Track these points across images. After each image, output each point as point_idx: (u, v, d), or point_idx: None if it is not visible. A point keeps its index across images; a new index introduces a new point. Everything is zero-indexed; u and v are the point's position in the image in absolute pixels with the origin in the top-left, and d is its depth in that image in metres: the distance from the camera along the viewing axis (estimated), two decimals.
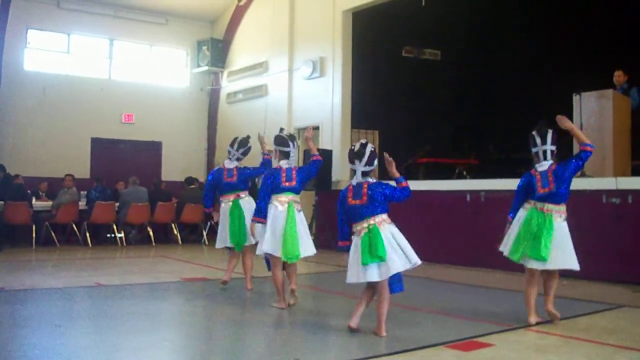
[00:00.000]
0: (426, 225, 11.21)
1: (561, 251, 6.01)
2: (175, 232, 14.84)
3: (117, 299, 7.57)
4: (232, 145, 8.02)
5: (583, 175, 9.70)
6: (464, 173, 14.24)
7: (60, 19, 16.27)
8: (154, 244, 14.33)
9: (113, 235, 14.32)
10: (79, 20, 16.52)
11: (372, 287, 5.70)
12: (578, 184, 9.00)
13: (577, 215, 8.67)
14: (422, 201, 11.42)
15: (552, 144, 6.17)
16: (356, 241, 5.62)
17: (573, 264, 6.08)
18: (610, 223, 8.73)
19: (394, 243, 5.57)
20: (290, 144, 6.98)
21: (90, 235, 13.85)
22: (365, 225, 5.59)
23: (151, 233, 14.51)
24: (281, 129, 7.20)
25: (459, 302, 7.72)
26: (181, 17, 18.10)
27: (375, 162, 5.81)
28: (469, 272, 10.06)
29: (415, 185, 12.07)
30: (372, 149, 5.77)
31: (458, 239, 10.67)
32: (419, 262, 5.60)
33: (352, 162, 5.74)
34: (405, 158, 15.02)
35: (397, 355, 4.97)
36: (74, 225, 13.89)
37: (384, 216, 5.68)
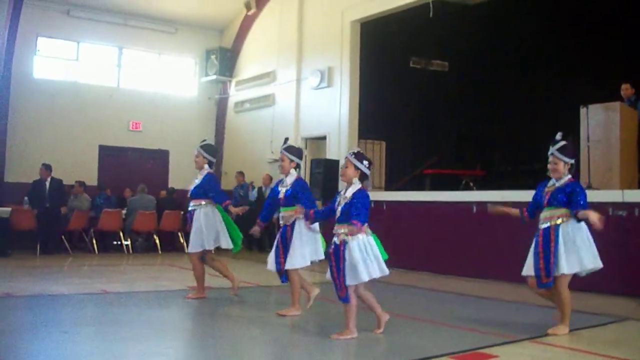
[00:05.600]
0: (432, 236, 11.21)
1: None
2: (182, 241, 14.85)
3: (123, 306, 7.59)
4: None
5: (589, 187, 9.70)
6: (471, 184, 14.23)
7: (70, 26, 16.39)
8: (160, 252, 14.36)
9: (119, 242, 14.37)
10: (89, 28, 16.63)
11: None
12: None
13: None
14: (428, 212, 11.44)
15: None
16: (369, 239, 5.73)
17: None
18: (616, 236, 8.70)
19: None
20: None
21: (97, 242, 13.90)
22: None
23: (158, 241, 14.55)
24: (286, 139, 7.21)
25: (464, 313, 7.71)
26: (190, 26, 18.19)
27: None
28: (475, 283, 10.04)
29: (421, 196, 12.24)
30: None
31: (464, 250, 10.66)
32: None
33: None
34: (412, 168, 15.05)
35: None
36: (82, 232, 13.99)
37: None
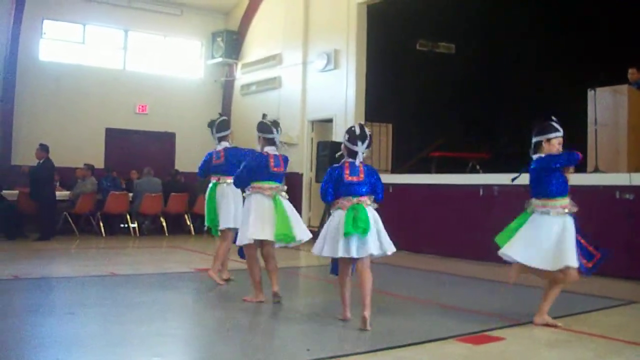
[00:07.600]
0: (438, 219, 11.21)
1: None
2: (188, 223, 14.91)
3: (129, 288, 7.63)
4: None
5: (596, 170, 9.67)
6: (477, 167, 14.19)
7: (76, 9, 16.32)
8: (166, 234, 14.41)
9: (126, 225, 14.41)
10: (95, 10, 16.56)
11: (346, 272, 5.83)
12: (591, 179, 9.01)
13: (589, 211, 8.66)
14: (434, 195, 11.43)
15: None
16: (339, 214, 5.70)
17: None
18: (623, 219, 8.69)
19: (374, 225, 5.69)
20: (274, 130, 6.76)
21: (103, 225, 13.94)
22: (354, 200, 5.70)
23: (164, 223, 14.58)
24: (264, 115, 7.06)
25: (470, 296, 7.72)
26: (196, 9, 18.12)
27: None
28: (481, 266, 10.02)
29: (427, 179, 12.22)
30: (370, 133, 5.93)
31: (470, 232, 10.65)
32: (391, 250, 5.78)
33: (354, 143, 5.81)
34: (418, 151, 15.01)
35: (407, 348, 4.99)
36: (90, 215, 14.04)
37: (369, 198, 5.81)
